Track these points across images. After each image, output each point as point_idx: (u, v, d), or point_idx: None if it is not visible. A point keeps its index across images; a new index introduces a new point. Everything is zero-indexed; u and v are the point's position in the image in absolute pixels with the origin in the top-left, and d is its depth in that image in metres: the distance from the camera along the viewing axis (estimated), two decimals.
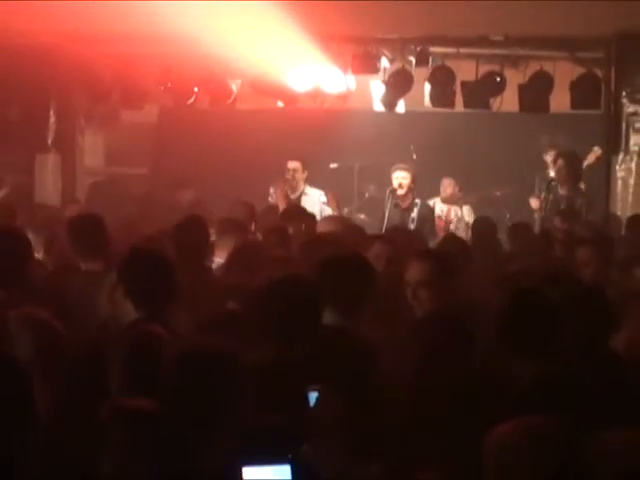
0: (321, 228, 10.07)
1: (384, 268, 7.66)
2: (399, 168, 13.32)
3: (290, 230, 9.74)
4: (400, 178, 13.19)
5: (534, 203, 13.26)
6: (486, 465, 3.69)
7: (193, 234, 8.12)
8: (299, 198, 13.29)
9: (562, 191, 12.66)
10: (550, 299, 5.94)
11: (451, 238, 10.41)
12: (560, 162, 12.73)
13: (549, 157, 14.06)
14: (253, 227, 10.26)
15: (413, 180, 13.17)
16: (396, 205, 13.07)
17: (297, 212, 11.13)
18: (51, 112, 14.97)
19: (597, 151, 13.66)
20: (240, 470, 3.56)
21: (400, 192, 13.09)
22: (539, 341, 5.43)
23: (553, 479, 3.58)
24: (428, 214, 13.31)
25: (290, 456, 3.51)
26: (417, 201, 13.22)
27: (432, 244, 10.99)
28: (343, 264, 6.30)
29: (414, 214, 13.02)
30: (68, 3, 11.44)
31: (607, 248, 9.25)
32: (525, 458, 3.62)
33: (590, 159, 13.66)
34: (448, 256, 7.57)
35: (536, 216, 12.78)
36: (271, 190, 14.01)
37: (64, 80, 14.59)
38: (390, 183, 13.66)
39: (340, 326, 5.92)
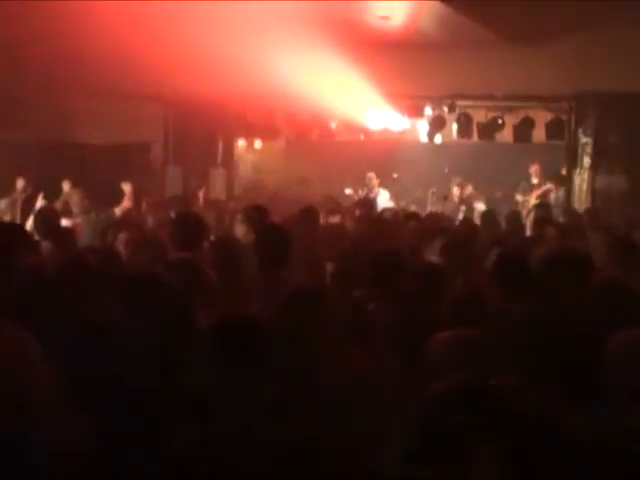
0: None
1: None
2: (457, 183, 13.63)
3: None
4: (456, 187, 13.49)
5: (519, 198, 13.44)
6: (428, 359, 3.42)
7: (308, 218, 7.92)
8: (375, 198, 13.37)
9: None
10: (529, 257, 5.59)
11: (466, 221, 10.58)
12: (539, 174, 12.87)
13: (532, 170, 14.11)
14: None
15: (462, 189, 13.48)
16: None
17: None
18: (220, 143, 15.20)
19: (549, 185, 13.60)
20: None
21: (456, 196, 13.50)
22: (519, 286, 4.94)
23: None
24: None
25: None
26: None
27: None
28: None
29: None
30: (229, 74, 11.27)
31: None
32: (448, 355, 3.36)
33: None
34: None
35: (522, 209, 12.91)
36: (346, 191, 14.24)
37: (227, 123, 14.74)
38: (431, 186, 13.97)
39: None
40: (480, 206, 14.17)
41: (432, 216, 10.28)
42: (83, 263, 4.69)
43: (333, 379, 3.39)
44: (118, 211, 10.78)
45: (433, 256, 6.21)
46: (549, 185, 13.51)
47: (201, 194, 13.21)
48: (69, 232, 6.80)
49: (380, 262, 5.27)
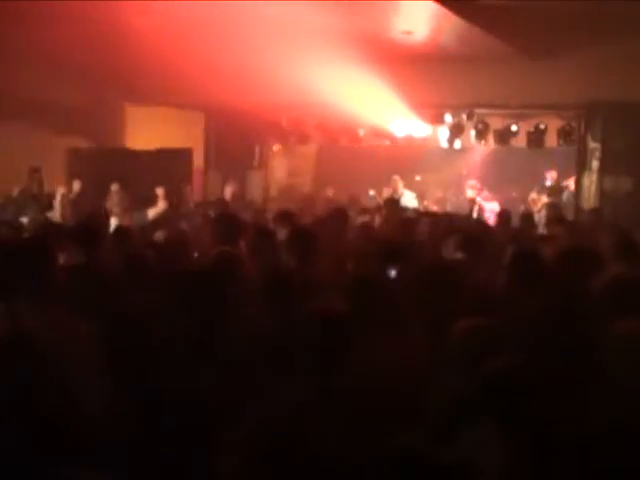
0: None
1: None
2: (470, 185, 13.62)
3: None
4: (470, 188, 13.48)
5: (534, 196, 13.42)
6: (451, 345, 3.36)
7: (338, 218, 7.96)
8: (400, 198, 13.33)
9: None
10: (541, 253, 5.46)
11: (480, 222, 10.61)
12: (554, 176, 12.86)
13: (547, 174, 14.10)
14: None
15: (479, 189, 13.50)
16: (470, 200, 13.51)
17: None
18: (256, 148, 15.42)
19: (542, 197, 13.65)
20: None
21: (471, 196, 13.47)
22: (533, 281, 4.85)
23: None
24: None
25: None
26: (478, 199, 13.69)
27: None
28: None
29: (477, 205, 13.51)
30: (266, 86, 11.49)
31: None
32: (463, 342, 3.31)
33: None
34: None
35: (534, 208, 12.97)
36: (370, 193, 14.28)
37: (263, 130, 14.83)
38: (449, 188, 13.98)
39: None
40: (494, 206, 14.27)
41: (448, 215, 10.37)
42: (144, 258, 4.88)
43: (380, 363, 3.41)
44: (152, 212, 11.15)
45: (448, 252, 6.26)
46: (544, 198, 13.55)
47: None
48: (129, 230, 6.94)
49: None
